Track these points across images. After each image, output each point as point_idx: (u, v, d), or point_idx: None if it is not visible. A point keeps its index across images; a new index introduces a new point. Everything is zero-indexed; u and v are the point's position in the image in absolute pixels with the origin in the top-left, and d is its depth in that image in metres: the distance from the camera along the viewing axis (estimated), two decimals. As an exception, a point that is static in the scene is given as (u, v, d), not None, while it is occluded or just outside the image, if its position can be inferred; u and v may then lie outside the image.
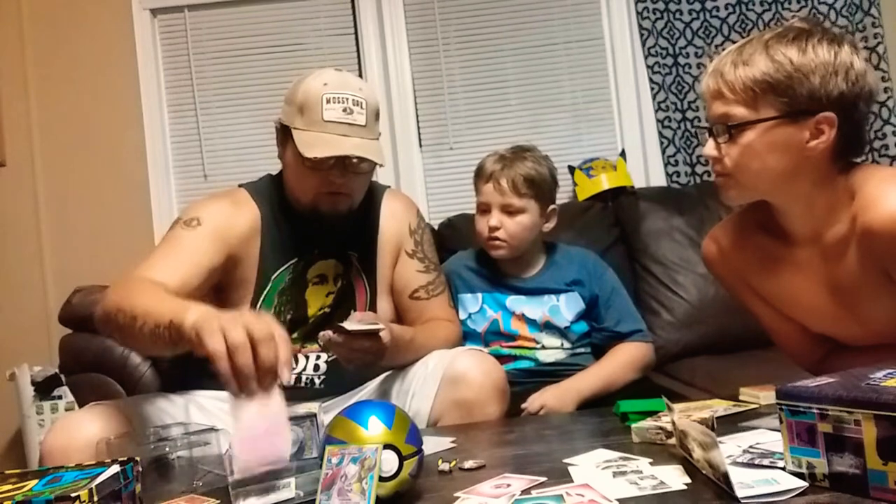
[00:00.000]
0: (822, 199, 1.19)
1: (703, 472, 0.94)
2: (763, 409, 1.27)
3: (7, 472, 0.97)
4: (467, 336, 1.78)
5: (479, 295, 1.84)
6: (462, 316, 1.80)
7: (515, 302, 1.82)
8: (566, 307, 1.81)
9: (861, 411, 0.82)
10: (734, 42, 1.23)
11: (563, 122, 2.81)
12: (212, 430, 1.19)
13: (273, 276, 1.54)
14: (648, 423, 1.17)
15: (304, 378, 1.54)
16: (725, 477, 0.86)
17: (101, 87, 2.75)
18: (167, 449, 1.13)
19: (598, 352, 1.83)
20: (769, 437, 1.06)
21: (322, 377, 1.54)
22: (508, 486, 0.97)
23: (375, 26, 2.80)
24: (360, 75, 2.76)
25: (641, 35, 2.70)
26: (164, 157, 2.79)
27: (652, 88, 2.70)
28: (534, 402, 1.61)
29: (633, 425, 1.18)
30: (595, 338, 1.85)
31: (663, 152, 2.70)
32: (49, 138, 2.74)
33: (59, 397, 2.26)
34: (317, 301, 1.57)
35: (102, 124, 2.74)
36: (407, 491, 0.97)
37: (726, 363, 2.10)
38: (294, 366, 1.54)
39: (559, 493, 0.92)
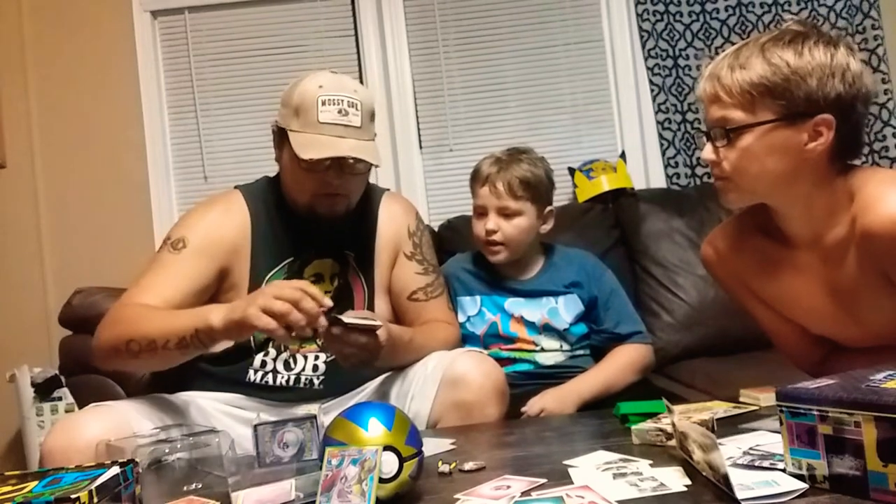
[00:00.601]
0: (821, 201, 1.19)
1: (704, 473, 0.94)
2: (763, 410, 1.27)
3: (7, 473, 0.97)
4: (466, 339, 1.78)
5: (478, 298, 1.83)
6: (461, 319, 1.80)
7: (514, 304, 1.81)
8: (565, 309, 1.81)
9: (861, 413, 0.82)
10: (734, 44, 1.23)
11: (563, 123, 2.80)
12: (212, 431, 1.18)
13: (267, 276, 1.54)
14: (648, 424, 1.17)
15: (303, 379, 1.54)
16: (725, 478, 0.86)
17: (101, 89, 2.75)
18: (167, 450, 1.13)
19: (598, 354, 1.83)
20: (769, 439, 1.06)
21: (321, 377, 1.54)
22: (508, 487, 0.98)
23: (376, 28, 2.80)
24: (361, 77, 2.77)
25: (641, 37, 2.70)
26: (164, 159, 2.79)
27: (652, 90, 2.70)
28: (533, 405, 1.60)
29: (633, 427, 1.18)
30: (594, 340, 1.84)
31: (663, 154, 2.70)
32: (49, 139, 2.74)
33: (59, 399, 2.26)
34: None
35: (102, 125, 2.74)
36: (407, 492, 0.97)
37: (726, 365, 2.10)
38: (293, 366, 1.54)
39: (559, 495, 0.92)
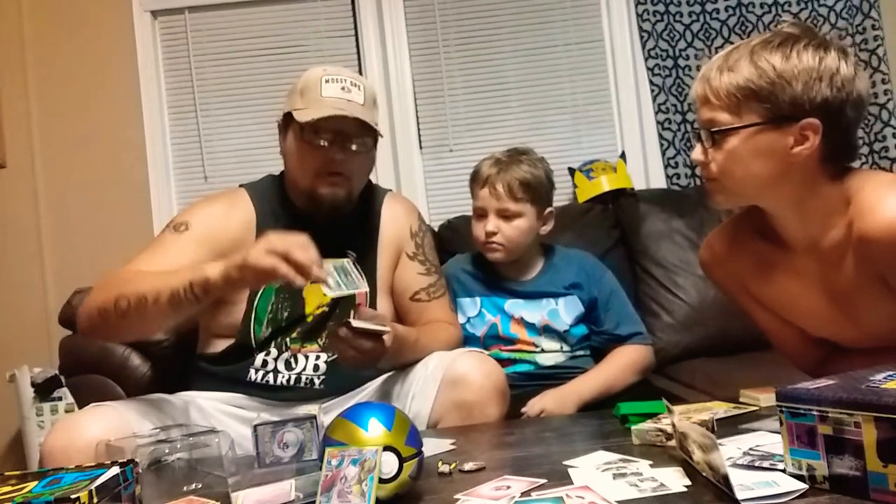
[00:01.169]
0: (814, 204, 1.19)
1: (703, 474, 0.94)
2: (763, 411, 1.27)
3: (7, 473, 0.97)
4: (467, 340, 1.77)
5: (478, 299, 1.83)
6: (461, 320, 1.79)
7: (514, 306, 1.81)
8: (565, 311, 1.81)
9: (861, 413, 0.82)
10: (733, 44, 1.23)
11: (564, 124, 2.80)
12: (211, 431, 1.18)
13: None
14: (648, 425, 1.17)
15: (303, 378, 1.54)
16: (725, 479, 0.86)
17: (101, 89, 2.75)
18: (167, 450, 1.13)
19: (598, 354, 1.83)
20: (769, 439, 1.06)
21: (322, 377, 1.54)
22: (508, 487, 0.98)
23: (376, 28, 2.80)
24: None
25: (641, 37, 2.70)
26: (164, 159, 2.79)
27: (652, 90, 2.70)
28: (533, 406, 1.60)
29: (633, 427, 1.18)
30: (594, 341, 1.84)
31: (663, 154, 2.70)
32: (49, 139, 2.74)
33: (59, 399, 2.26)
34: (315, 299, 1.57)
35: (102, 125, 2.74)
36: (407, 493, 0.97)
37: (726, 365, 2.09)
38: (294, 366, 1.54)
39: (559, 495, 0.92)
